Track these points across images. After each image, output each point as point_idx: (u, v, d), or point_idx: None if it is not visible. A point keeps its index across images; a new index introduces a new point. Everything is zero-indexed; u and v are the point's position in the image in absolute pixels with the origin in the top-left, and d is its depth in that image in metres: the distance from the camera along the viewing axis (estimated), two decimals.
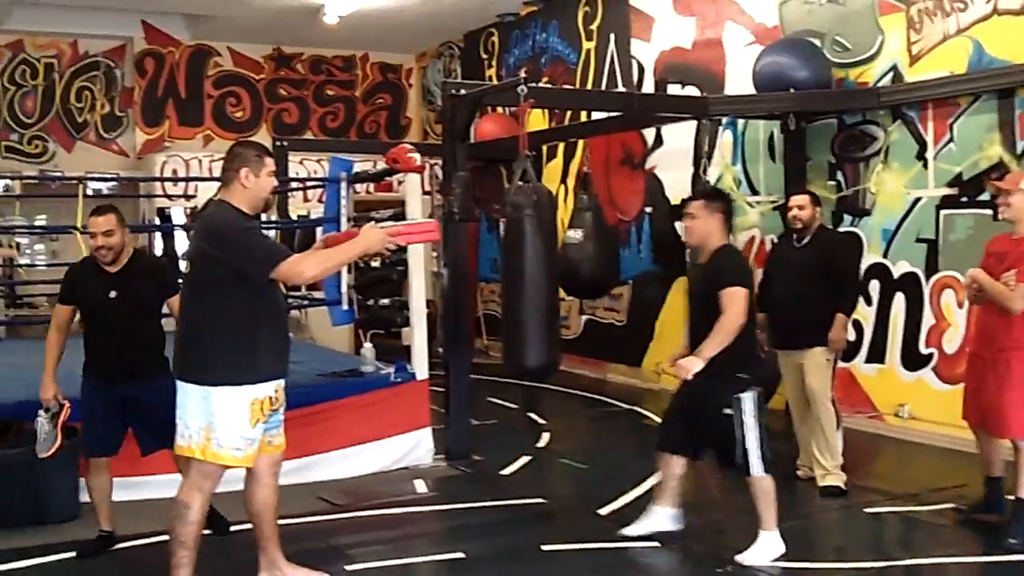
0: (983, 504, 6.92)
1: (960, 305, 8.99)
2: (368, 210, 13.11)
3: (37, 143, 16.09)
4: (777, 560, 6.07)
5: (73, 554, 6.30)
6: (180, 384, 5.29)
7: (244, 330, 5.22)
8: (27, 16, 14.90)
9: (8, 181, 15.24)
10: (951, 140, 9.11)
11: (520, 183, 7.84)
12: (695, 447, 6.46)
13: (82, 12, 15.07)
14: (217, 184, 5.50)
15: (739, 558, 6.09)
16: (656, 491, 6.70)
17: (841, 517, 7.16)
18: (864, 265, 9.73)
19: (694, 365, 5.98)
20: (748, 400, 6.09)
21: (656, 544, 6.45)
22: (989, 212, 8.74)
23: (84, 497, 6.98)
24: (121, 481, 7.15)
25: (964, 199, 9.00)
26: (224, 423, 5.19)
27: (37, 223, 15.47)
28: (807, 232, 7.77)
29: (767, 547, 6.14)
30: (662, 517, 6.55)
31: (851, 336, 8.47)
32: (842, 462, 7.63)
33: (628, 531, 6.58)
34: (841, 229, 9.74)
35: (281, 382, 5.47)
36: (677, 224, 11.40)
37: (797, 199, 7.88)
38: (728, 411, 6.10)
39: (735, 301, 6.05)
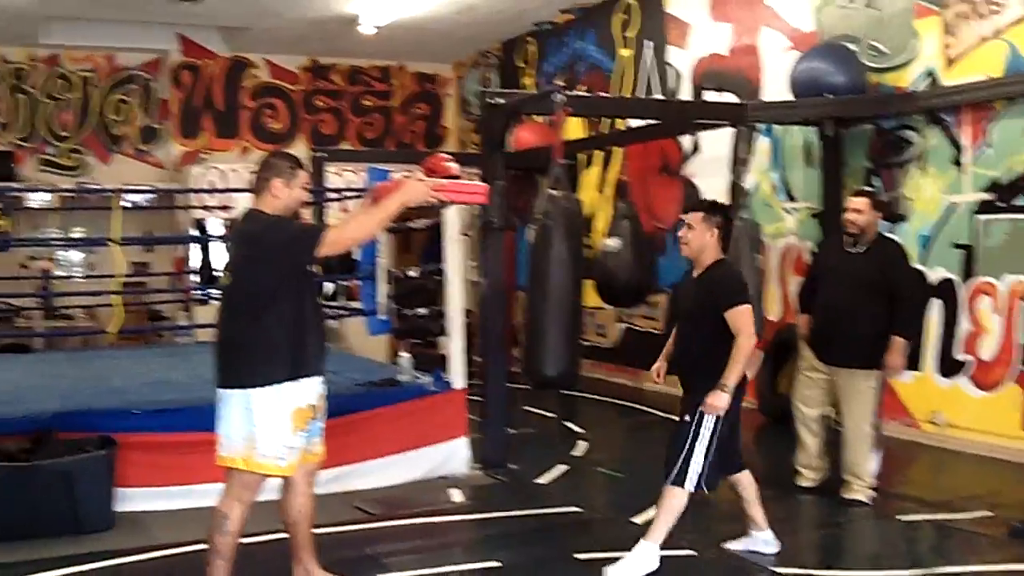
0: None
1: (997, 312, 8.92)
2: (405, 219, 13.13)
3: (74, 156, 16.24)
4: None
5: (108, 563, 6.33)
6: (221, 394, 5.31)
7: (284, 334, 5.24)
8: (64, 31, 15.06)
9: (46, 194, 15.36)
10: (988, 144, 9.04)
11: (551, 191, 7.83)
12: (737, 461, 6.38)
13: (118, 26, 15.22)
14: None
15: (607, 571, 5.94)
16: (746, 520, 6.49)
17: (875, 525, 7.11)
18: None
19: (721, 402, 5.86)
20: (708, 417, 5.97)
21: (692, 553, 6.42)
22: None
23: (119, 507, 7.05)
24: (164, 491, 7.26)
25: (1001, 204, 8.93)
26: (266, 432, 5.21)
27: (74, 235, 15.60)
28: (863, 239, 7.47)
29: (643, 559, 5.98)
30: (756, 540, 6.40)
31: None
32: (874, 484, 7.48)
33: (729, 545, 6.46)
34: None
35: (323, 389, 5.50)
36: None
37: (855, 201, 7.54)
38: (687, 419, 6.02)
39: (744, 321, 5.93)
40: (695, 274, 6.35)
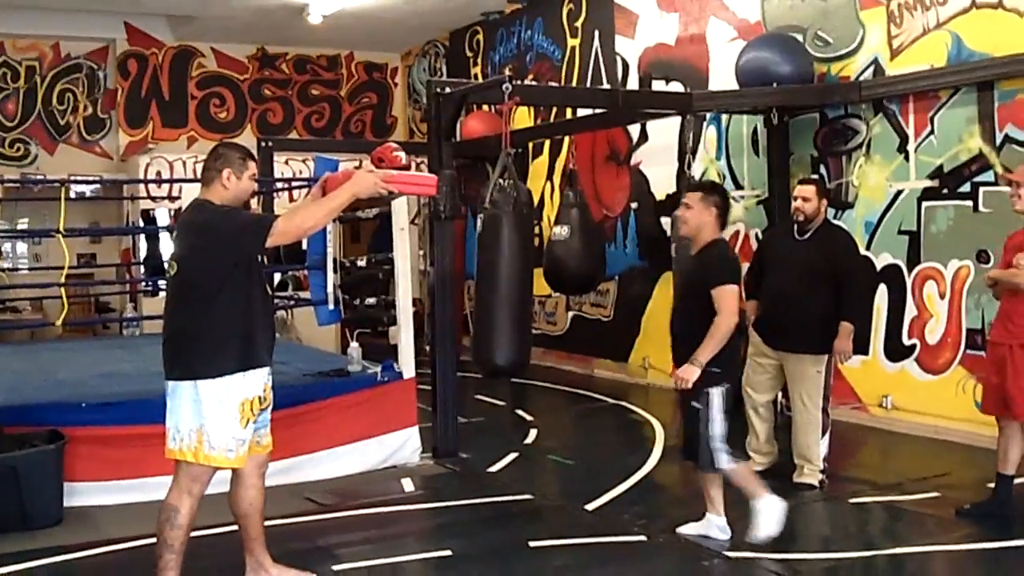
0: (990, 501, 6.83)
1: (942, 296, 9.03)
2: (354, 209, 13.10)
3: (19, 146, 16.05)
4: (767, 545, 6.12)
5: (57, 559, 6.28)
6: (171, 386, 5.29)
7: (233, 325, 5.23)
8: (7, 18, 14.88)
9: None
10: (932, 133, 9.14)
11: (500, 180, 7.84)
12: None
13: (64, 14, 15.06)
14: (200, 186, 5.49)
15: (750, 537, 6.13)
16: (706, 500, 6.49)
17: (826, 508, 7.19)
18: None
19: (691, 374, 6.01)
20: (716, 395, 6.12)
21: (643, 538, 6.46)
22: (970, 204, 8.82)
23: (68, 502, 7.00)
24: (114, 485, 7.22)
25: (945, 191, 9.04)
26: (215, 424, 5.19)
27: (19, 227, 15.44)
28: (810, 225, 7.53)
29: (769, 511, 6.17)
30: (711, 525, 6.42)
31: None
32: (823, 467, 7.52)
33: (682, 529, 6.48)
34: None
35: (269, 380, 5.49)
36: (663, 219, 11.46)
37: (803, 189, 7.57)
38: (696, 405, 6.14)
39: (728, 300, 6.07)
40: (691, 252, 6.49)
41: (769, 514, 6.16)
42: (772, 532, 6.13)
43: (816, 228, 7.55)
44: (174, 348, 5.32)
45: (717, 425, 6.11)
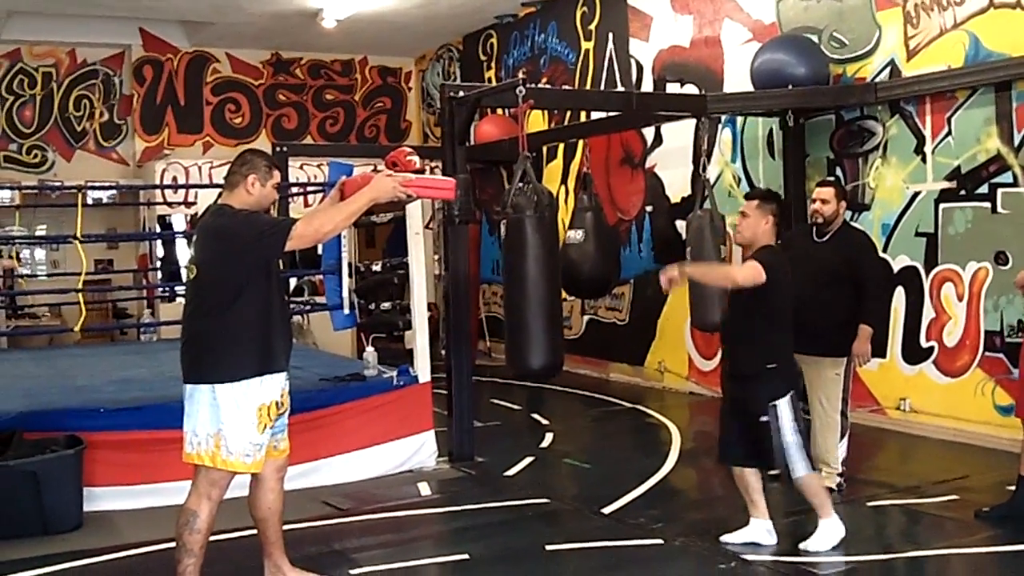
0: (1009, 504, 6.79)
1: (960, 298, 9.00)
2: (369, 214, 13.12)
3: (36, 152, 16.09)
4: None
5: (77, 564, 6.30)
6: (188, 389, 5.31)
7: (251, 329, 5.26)
8: (24, 25, 14.92)
9: (7, 191, 15.24)
10: (949, 134, 9.12)
11: (520, 184, 7.85)
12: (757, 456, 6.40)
13: (80, 20, 15.08)
14: (216, 191, 5.51)
15: (803, 546, 6.19)
16: (748, 504, 6.48)
17: (844, 511, 7.12)
18: None
19: (674, 271, 6.09)
20: (784, 406, 6.12)
21: (660, 542, 6.46)
22: (988, 205, 8.78)
23: (87, 507, 7.02)
24: (133, 489, 7.24)
25: (963, 192, 9.01)
26: (233, 429, 5.21)
27: (37, 233, 15.50)
28: (829, 228, 7.49)
29: (830, 533, 6.22)
30: (759, 530, 6.40)
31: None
32: (841, 470, 7.49)
33: (726, 538, 6.42)
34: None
35: (287, 385, 5.50)
36: (678, 222, 11.44)
37: (822, 191, 7.52)
38: (764, 419, 6.12)
39: (751, 267, 6.10)
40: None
41: (829, 535, 6.22)
42: (824, 548, 6.17)
43: (835, 230, 7.51)
44: (193, 352, 5.34)
45: (791, 434, 6.11)
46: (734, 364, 6.37)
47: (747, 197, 6.59)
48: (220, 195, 5.50)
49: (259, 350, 5.27)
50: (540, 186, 8.09)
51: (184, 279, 5.58)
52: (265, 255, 5.29)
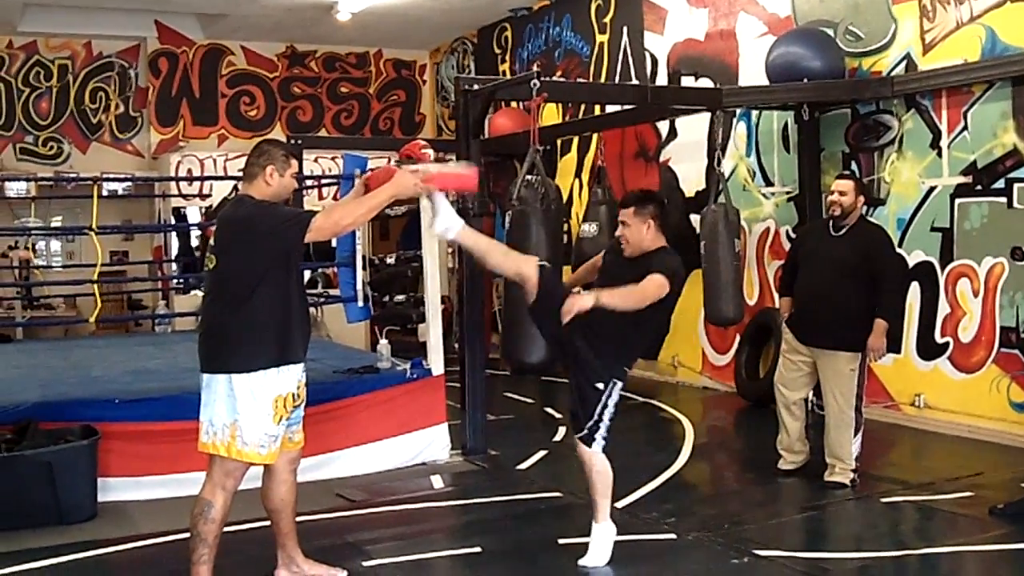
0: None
1: (976, 294, 8.97)
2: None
3: (52, 144, 16.15)
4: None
5: (92, 553, 6.32)
6: (206, 379, 5.33)
7: (270, 319, 5.26)
8: (41, 18, 14.99)
9: (23, 183, 15.29)
10: (965, 128, 9.08)
11: (528, 176, 7.83)
12: None
13: (95, 13, 15.16)
14: (231, 183, 5.52)
15: (582, 562, 5.96)
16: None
17: (857, 507, 7.14)
18: None
19: (587, 302, 5.57)
20: (617, 391, 6.00)
21: (672, 536, 6.45)
22: (1004, 200, 8.74)
23: (102, 497, 7.05)
24: (147, 480, 7.26)
25: (979, 187, 8.98)
26: (249, 420, 5.22)
27: (53, 224, 15.56)
28: (845, 222, 7.47)
29: (605, 541, 6.04)
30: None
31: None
32: (855, 466, 7.46)
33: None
34: None
35: (303, 377, 5.52)
36: (692, 216, 11.41)
37: (840, 183, 7.51)
38: (600, 386, 5.98)
39: (657, 285, 5.78)
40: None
41: (605, 544, 6.05)
42: (601, 564, 5.98)
43: (852, 225, 7.49)
44: (211, 341, 5.35)
45: (608, 414, 6.03)
46: (591, 347, 5.98)
47: (621, 205, 6.30)
48: (235, 187, 5.51)
49: (277, 341, 5.28)
50: (548, 180, 8.07)
51: (205, 267, 5.59)
52: (284, 246, 5.29)
